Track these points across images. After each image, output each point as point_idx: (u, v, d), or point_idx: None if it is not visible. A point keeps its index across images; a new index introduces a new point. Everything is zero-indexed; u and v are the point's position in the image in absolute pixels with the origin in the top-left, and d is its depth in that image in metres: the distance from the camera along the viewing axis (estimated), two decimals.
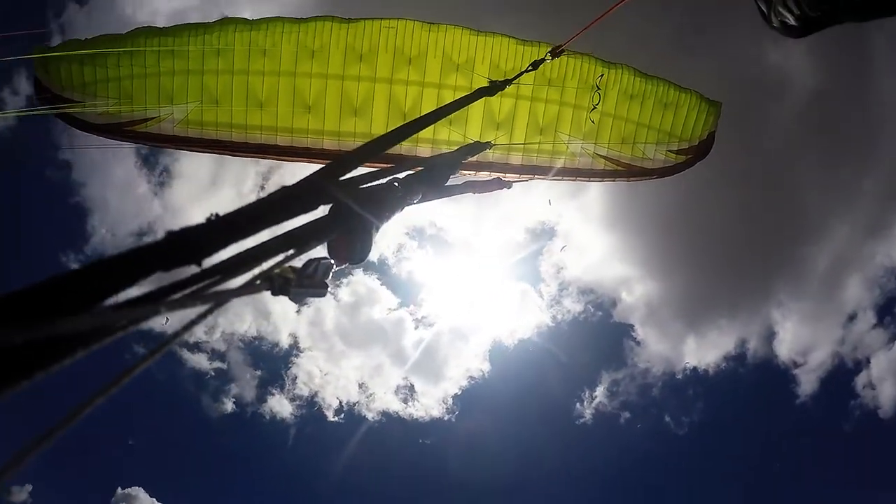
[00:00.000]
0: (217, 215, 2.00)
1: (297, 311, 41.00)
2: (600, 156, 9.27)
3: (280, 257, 2.29)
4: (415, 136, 8.68)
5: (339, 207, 2.83)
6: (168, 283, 1.83)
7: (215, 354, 40.74)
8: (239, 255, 2.14)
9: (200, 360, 40.59)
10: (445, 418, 40.86)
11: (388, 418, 40.86)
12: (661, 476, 42.72)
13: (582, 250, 39.99)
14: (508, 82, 6.22)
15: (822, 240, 39.31)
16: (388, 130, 3.48)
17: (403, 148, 8.50)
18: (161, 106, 8.35)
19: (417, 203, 3.99)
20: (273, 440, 41.15)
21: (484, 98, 9.10)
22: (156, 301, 1.62)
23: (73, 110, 8.19)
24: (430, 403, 40.94)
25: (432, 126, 9.03)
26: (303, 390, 41.01)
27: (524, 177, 9.35)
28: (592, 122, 9.05)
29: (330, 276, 2.53)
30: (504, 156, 9.26)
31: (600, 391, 41.02)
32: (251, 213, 2.12)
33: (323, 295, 2.40)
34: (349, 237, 2.85)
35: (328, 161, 2.91)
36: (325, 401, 40.93)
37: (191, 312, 1.84)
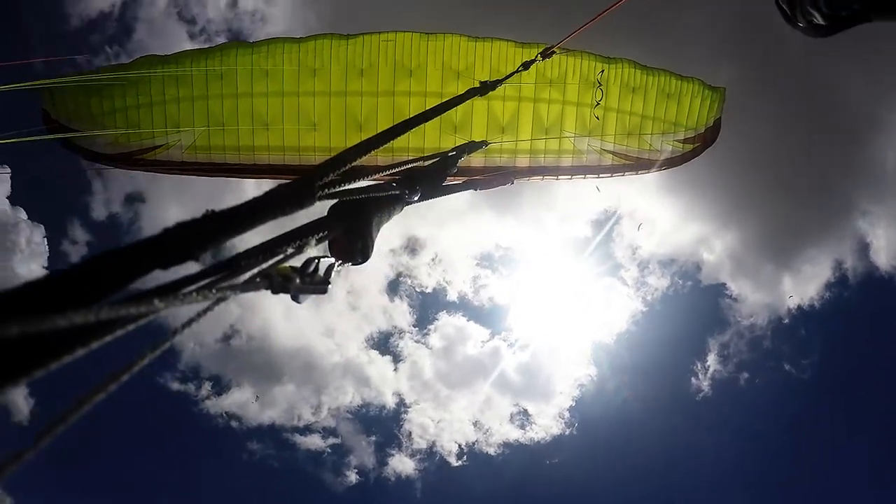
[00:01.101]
0: (213, 211, 2.01)
1: (394, 370, 41.16)
2: (607, 151, 9.25)
3: (280, 256, 2.30)
4: (420, 145, 8.78)
5: (339, 206, 2.84)
6: (169, 280, 1.84)
7: (327, 431, 41.00)
8: (240, 253, 2.16)
9: (314, 441, 40.85)
10: (567, 433, 40.14)
11: (511, 448, 40.32)
12: (798, 426, 40.66)
13: (651, 223, 39.03)
14: (499, 82, 6.23)
15: (884, 135, 36.70)
16: (384, 129, 3.50)
17: (399, 149, 8.54)
18: (168, 133, 8.47)
19: (417, 202, 4.00)
20: (402, 499, 40.83)
21: (487, 103, 9.21)
22: (156, 297, 1.63)
23: (82, 141, 8.33)
24: (548, 423, 40.39)
25: (437, 134, 9.12)
26: (420, 443, 40.86)
27: (534, 178, 9.35)
28: (597, 118, 9.04)
29: (332, 275, 2.54)
30: (511, 159, 9.26)
31: (712, 359, 39.45)
32: (248, 209, 2.13)
33: (324, 292, 2.40)
34: (350, 236, 2.86)
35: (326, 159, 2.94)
36: (444, 448, 40.69)
37: (192, 309, 1.86)
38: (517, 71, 6.93)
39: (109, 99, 8.35)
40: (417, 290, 42.69)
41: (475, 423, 40.91)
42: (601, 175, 9.49)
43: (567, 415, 39.90)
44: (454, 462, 40.18)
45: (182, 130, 8.48)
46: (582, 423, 40.06)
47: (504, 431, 40.61)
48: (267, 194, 2.26)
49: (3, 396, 1.33)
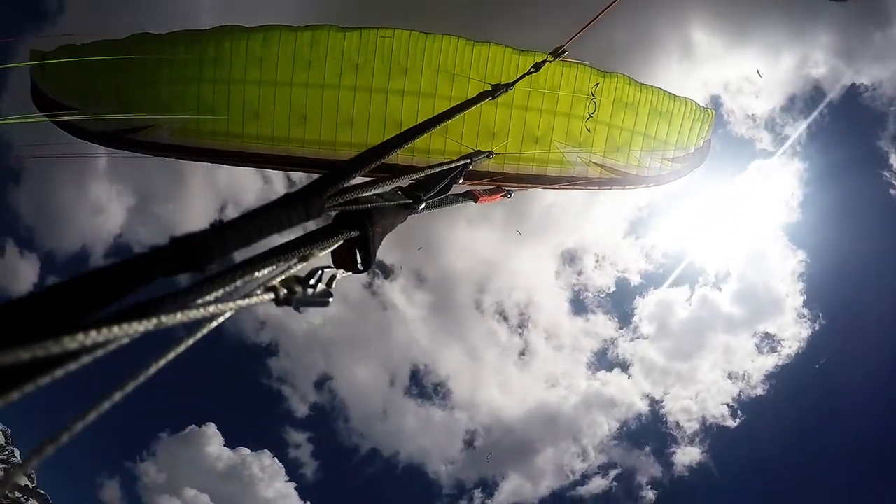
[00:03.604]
0: (220, 222, 1.99)
1: (629, 377, 40.18)
2: (595, 164, 9.31)
3: (283, 266, 2.28)
4: (411, 144, 8.74)
5: (342, 216, 2.83)
6: (171, 291, 1.82)
7: (603, 468, 40.33)
8: (242, 263, 2.13)
9: (597, 483, 40.13)
10: (817, 328, 37.89)
11: (775, 376, 38.26)
12: None
13: (745, 81, 36.05)
14: (510, 85, 6.28)
15: None
16: (389, 137, 3.49)
17: (402, 157, 8.51)
18: (157, 114, 8.33)
19: (421, 212, 3.99)
20: (708, 485, 39.03)
21: (479, 107, 9.21)
22: (159, 314, 1.61)
23: (71, 118, 8.17)
24: (794, 331, 38.51)
25: (428, 135, 9.09)
26: (692, 426, 39.72)
27: (522, 185, 9.37)
28: (588, 130, 9.09)
29: (334, 285, 2.53)
30: (500, 164, 9.27)
31: (894, 159, 37.45)
32: (254, 220, 2.11)
33: (326, 305, 2.39)
34: (353, 246, 2.85)
35: (326, 170, 2.93)
36: (715, 416, 39.37)
37: (195, 323, 1.83)
38: (529, 73, 6.99)
39: (100, 74, 8.19)
40: (601, 295, 42.29)
41: (730, 376, 39.84)
42: (588, 187, 9.56)
43: (806, 311, 38.32)
44: (732, 423, 39.01)
45: (171, 113, 8.35)
46: (826, 309, 37.93)
47: (759, 366, 39.46)
48: (275, 204, 2.24)
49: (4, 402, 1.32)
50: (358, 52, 8.54)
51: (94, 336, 1.36)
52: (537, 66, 6.97)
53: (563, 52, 6.98)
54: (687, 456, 41.02)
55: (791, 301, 41.00)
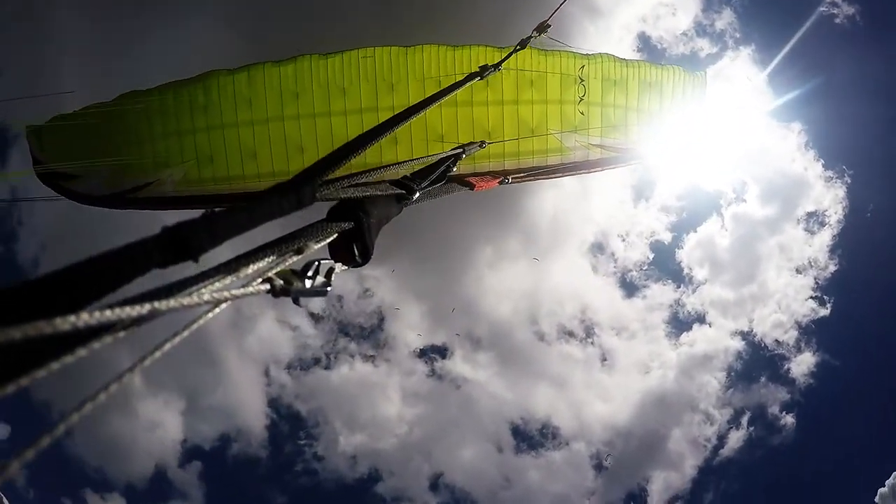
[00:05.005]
0: (213, 211, 2.01)
1: (710, 326, 40.33)
2: (595, 146, 9.28)
3: (279, 259, 2.29)
4: (408, 156, 8.78)
5: (338, 207, 2.84)
6: (166, 283, 1.83)
7: (734, 420, 40.66)
8: (239, 256, 2.15)
9: (735, 437, 40.29)
10: (848, 181, 38.12)
11: (841, 246, 38.19)
12: None
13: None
14: (498, 65, 6.31)
15: None
16: (382, 122, 3.50)
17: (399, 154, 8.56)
18: (158, 169, 8.46)
19: (415, 203, 3.99)
20: (834, 383, 39.30)
21: (471, 109, 9.24)
22: (153, 300, 1.61)
23: (74, 184, 8.32)
24: (831, 195, 38.53)
25: (424, 145, 9.13)
26: (791, 335, 39.48)
27: (525, 178, 9.35)
28: (582, 113, 9.07)
29: (332, 277, 2.53)
30: (500, 162, 9.26)
31: None
32: (246, 209, 2.13)
33: (324, 295, 2.40)
34: (349, 239, 2.85)
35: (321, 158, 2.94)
36: (807, 315, 39.21)
37: (189, 313, 1.84)
38: (515, 50, 7.08)
39: (96, 138, 8.35)
40: (644, 268, 42.75)
41: (798, 271, 39.90)
42: (592, 170, 9.52)
43: (830, 172, 38.01)
44: (825, 311, 38.93)
45: (171, 166, 8.47)
46: (847, 158, 37.26)
47: (818, 246, 39.37)
48: (266, 193, 2.26)
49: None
50: (342, 76, 8.62)
51: (85, 318, 1.34)
52: (523, 43, 7.05)
53: (548, 26, 7.04)
54: (802, 365, 40.06)
55: (811, 172, 40.16)
